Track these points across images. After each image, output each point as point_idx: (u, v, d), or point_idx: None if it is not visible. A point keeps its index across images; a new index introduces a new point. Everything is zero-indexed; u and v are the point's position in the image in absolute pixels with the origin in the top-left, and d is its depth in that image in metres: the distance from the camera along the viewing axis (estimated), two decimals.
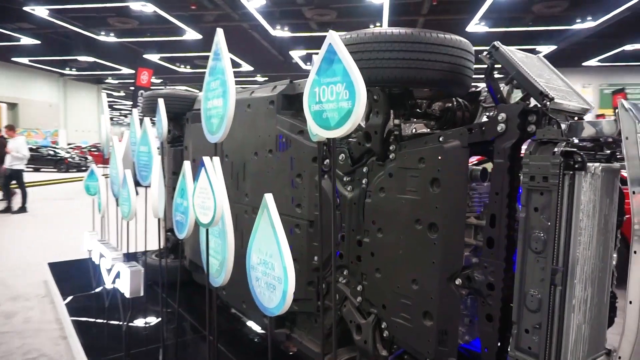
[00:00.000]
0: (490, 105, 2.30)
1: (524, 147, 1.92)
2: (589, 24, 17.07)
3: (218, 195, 2.15)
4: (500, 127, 1.89)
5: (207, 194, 2.21)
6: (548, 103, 1.78)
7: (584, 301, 1.86)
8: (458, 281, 2.06)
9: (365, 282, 2.46)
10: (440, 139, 2.08)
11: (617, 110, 1.82)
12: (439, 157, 2.05)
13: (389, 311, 2.31)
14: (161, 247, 3.70)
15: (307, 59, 21.78)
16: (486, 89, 2.11)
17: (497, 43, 1.96)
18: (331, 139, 1.94)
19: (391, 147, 2.31)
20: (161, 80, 30.88)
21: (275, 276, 1.90)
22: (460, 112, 2.47)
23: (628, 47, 20.52)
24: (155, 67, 21.68)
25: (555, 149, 1.75)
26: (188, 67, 26.43)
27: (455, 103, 2.47)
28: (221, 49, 2.47)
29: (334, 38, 1.81)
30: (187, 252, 4.47)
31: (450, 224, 2.04)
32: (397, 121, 2.27)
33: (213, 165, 2.24)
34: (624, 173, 1.85)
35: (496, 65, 1.97)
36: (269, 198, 1.97)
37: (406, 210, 2.21)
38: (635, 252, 1.79)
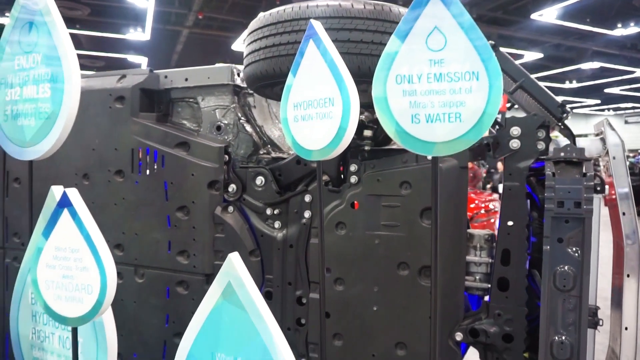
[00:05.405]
0: None
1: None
2: None
3: (106, 262, 1.15)
4: (515, 143, 1.56)
5: (77, 262, 1.17)
6: (569, 117, 1.55)
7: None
8: (459, 336, 1.63)
9: (314, 354, 1.77)
10: (429, 156, 1.62)
11: (602, 129, 1.74)
12: None
13: None
14: None
15: None
16: None
17: (493, 42, 1.63)
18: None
19: (352, 168, 1.72)
20: None
21: None
22: None
23: None
24: None
25: (584, 170, 1.52)
26: None
27: None
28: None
29: (317, 27, 1.20)
30: None
31: (451, 265, 1.60)
32: (367, 132, 1.70)
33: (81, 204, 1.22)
34: None
35: None
36: (235, 259, 1.13)
37: (382, 252, 1.66)
38: (628, 275, 1.71)
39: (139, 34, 15.87)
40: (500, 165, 15.83)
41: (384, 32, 1.46)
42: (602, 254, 1.70)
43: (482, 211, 5.53)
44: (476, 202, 5.66)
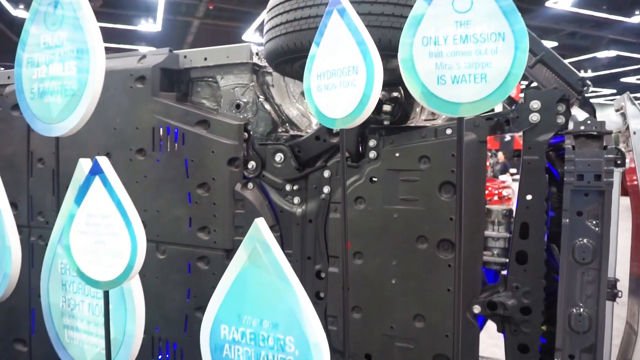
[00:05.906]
0: None
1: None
2: None
3: (136, 228, 1.19)
4: (534, 117, 1.57)
5: (109, 228, 1.21)
6: (588, 91, 1.55)
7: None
8: (477, 309, 1.65)
9: (333, 327, 1.80)
10: (448, 131, 1.64)
11: (623, 105, 1.73)
12: (453, 155, 1.60)
13: None
14: None
15: None
16: None
17: None
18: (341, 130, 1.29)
19: (371, 143, 1.74)
20: None
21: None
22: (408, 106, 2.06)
23: None
24: None
25: (605, 143, 1.52)
26: None
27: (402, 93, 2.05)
28: None
29: None
30: None
31: (470, 239, 1.61)
32: (387, 107, 1.72)
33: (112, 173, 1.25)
34: None
35: None
36: (261, 224, 1.16)
37: (401, 226, 1.68)
38: None
39: (150, 25, 15.95)
40: (501, 155, 15.76)
41: (405, 5, 1.46)
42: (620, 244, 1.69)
43: (496, 198, 5.51)
44: (490, 188, 5.65)
